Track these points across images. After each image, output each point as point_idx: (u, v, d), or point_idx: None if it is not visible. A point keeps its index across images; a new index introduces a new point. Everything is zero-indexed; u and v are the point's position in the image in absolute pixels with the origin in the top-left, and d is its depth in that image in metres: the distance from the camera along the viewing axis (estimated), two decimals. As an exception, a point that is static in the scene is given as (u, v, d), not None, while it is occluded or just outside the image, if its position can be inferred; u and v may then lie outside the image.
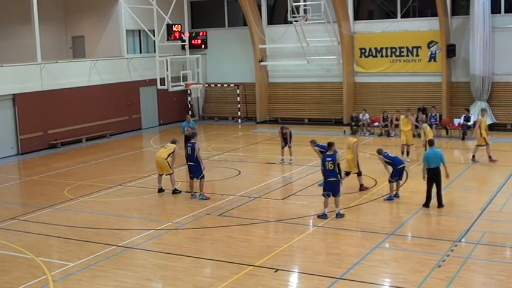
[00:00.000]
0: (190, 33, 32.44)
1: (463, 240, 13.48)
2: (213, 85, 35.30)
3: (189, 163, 17.86)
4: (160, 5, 26.65)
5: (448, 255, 12.47)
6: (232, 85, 34.87)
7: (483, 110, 22.78)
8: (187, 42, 28.18)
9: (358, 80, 32.05)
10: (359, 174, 17.92)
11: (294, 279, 11.99)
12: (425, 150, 16.89)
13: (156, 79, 26.88)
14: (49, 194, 19.03)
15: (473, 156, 21.76)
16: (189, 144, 17.83)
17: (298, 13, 28.43)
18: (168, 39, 27.63)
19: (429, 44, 29.89)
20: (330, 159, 15.23)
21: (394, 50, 30.84)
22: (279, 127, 22.97)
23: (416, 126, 23.87)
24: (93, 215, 16.52)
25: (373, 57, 31.38)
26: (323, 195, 15.33)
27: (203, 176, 17.60)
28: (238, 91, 34.45)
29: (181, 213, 16.30)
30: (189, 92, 34.22)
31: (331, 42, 30.31)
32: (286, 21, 30.60)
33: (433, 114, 27.69)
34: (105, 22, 31.81)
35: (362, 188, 17.86)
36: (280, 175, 21.00)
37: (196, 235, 14.51)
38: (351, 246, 13.50)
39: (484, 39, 27.85)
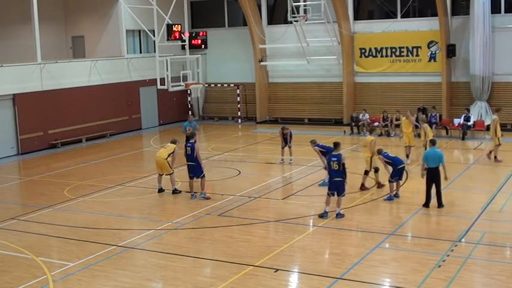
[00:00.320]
0: (190, 33, 32.45)
1: (463, 240, 13.47)
2: (213, 85, 35.31)
3: (188, 163, 17.86)
4: (160, 5, 26.66)
5: (448, 255, 12.47)
6: (232, 85, 34.88)
7: (498, 110, 22.47)
8: (187, 42, 28.19)
9: (358, 80, 32.05)
10: (374, 171, 18.13)
11: (294, 279, 11.99)
12: (425, 150, 16.90)
13: (156, 79, 26.89)
14: (49, 194, 19.03)
15: (495, 156, 21.58)
16: (188, 144, 17.85)
17: (298, 13, 28.43)
18: (168, 39, 27.63)
19: (429, 44, 29.89)
20: (335, 159, 15.29)
21: (394, 50, 30.84)
22: (279, 127, 22.96)
23: (417, 127, 23.86)
24: (93, 215, 16.52)
25: (373, 57, 31.38)
26: (328, 194, 15.36)
27: (204, 175, 17.60)
28: (238, 91, 34.46)
29: (181, 213, 16.30)
30: (189, 92, 34.23)
31: (331, 42, 30.31)
32: (286, 21, 30.60)
33: (433, 114, 27.69)
34: (105, 22, 31.81)
35: (379, 185, 17.99)
36: (280, 175, 21.00)
37: (196, 235, 14.51)
38: (351, 246, 13.50)
39: (484, 39, 27.85)
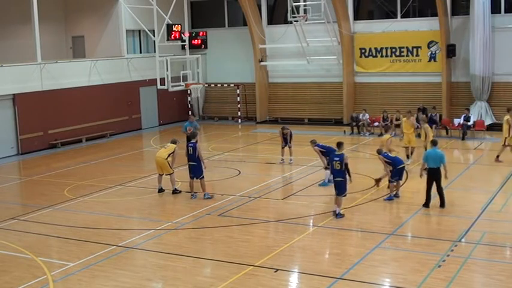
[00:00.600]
0: (190, 33, 32.45)
1: (463, 240, 13.48)
2: (213, 85, 35.31)
3: (190, 163, 17.85)
4: (160, 5, 26.65)
5: (448, 255, 12.47)
6: (232, 85, 34.88)
7: (510, 109, 22.29)
8: (187, 42, 28.18)
9: (358, 80, 32.05)
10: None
11: (294, 279, 11.99)
12: (426, 150, 16.88)
13: (156, 79, 26.89)
14: (49, 194, 19.03)
15: (498, 156, 21.49)
16: (190, 144, 17.81)
17: (298, 13, 28.42)
18: (168, 39, 27.62)
19: (429, 44, 29.89)
20: (337, 159, 15.37)
21: (394, 50, 30.84)
22: (279, 127, 22.96)
23: (417, 127, 23.84)
24: (93, 215, 16.52)
25: (373, 57, 31.38)
26: (335, 194, 15.48)
27: (203, 177, 17.60)
28: (238, 91, 34.46)
29: (181, 213, 16.30)
30: (189, 92, 34.23)
31: (331, 42, 30.31)
32: (286, 21, 30.59)
33: (434, 114, 27.68)
34: (105, 22, 31.81)
35: (378, 182, 18.09)
36: (280, 175, 21.00)
37: (196, 235, 14.51)
38: (351, 246, 13.50)
39: (484, 39, 27.85)
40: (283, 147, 22.20)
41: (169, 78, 25.99)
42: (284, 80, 33.96)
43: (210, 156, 23.74)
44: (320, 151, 18.84)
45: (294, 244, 13.55)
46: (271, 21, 33.90)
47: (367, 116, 29.15)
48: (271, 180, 20.02)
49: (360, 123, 29.02)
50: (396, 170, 16.74)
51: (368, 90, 31.81)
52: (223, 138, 28.86)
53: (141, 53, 33.03)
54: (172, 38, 27.79)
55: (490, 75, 28.35)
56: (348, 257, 12.63)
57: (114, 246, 13.69)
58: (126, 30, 31.68)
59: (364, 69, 31.69)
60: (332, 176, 15.81)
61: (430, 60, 30.00)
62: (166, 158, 18.22)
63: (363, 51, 31.55)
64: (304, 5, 28.32)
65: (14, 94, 25.83)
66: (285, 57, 33.20)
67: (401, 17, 30.61)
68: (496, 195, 17.10)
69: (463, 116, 27.20)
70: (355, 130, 29.01)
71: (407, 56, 30.57)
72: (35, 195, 19.21)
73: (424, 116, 25.78)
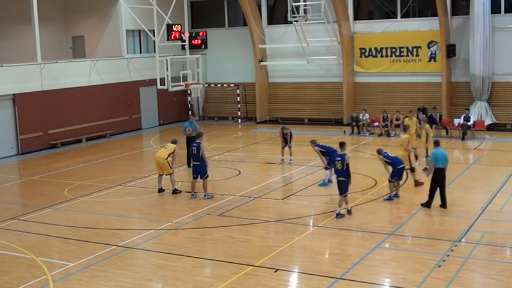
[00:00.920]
0: (190, 33, 32.45)
1: (463, 240, 13.48)
2: (213, 85, 35.31)
3: (193, 163, 17.83)
4: (160, 5, 26.65)
5: (448, 255, 12.47)
6: (232, 85, 34.88)
7: None
8: (187, 42, 28.17)
9: (358, 80, 32.06)
10: (412, 170, 18.31)
11: (294, 279, 11.99)
12: (426, 150, 16.82)
13: (156, 79, 26.88)
14: (49, 194, 19.03)
15: None
16: (194, 144, 17.78)
17: (298, 13, 28.42)
18: (168, 39, 27.61)
19: (429, 44, 29.90)
20: (339, 159, 15.42)
21: (394, 50, 30.85)
22: (279, 127, 22.95)
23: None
24: (93, 215, 16.52)
25: (373, 57, 31.38)
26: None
27: (207, 176, 17.61)
28: (238, 91, 34.46)
29: (181, 213, 16.30)
30: (189, 92, 34.22)
31: (331, 42, 30.31)
32: (286, 21, 30.60)
33: (434, 114, 27.66)
34: (105, 22, 31.81)
35: (417, 183, 18.14)
36: (280, 175, 21.00)
37: (196, 235, 14.51)
38: (351, 246, 13.50)
39: (484, 39, 27.85)
40: (283, 147, 22.20)
41: (169, 78, 25.98)
42: (284, 80, 33.96)
43: (210, 156, 23.70)
44: (320, 151, 18.83)
45: (294, 244, 13.55)
46: (271, 21, 33.90)
47: (367, 116, 29.14)
48: (271, 180, 20.02)
49: (360, 123, 29.01)
50: (396, 170, 16.74)
51: (368, 90, 31.81)
52: (223, 138, 28.86)
53: (141, 53, 33.03)
54: (172, 38, 27.79)
55: (490, 75, 28.35)
56: (348, 257, 12.63)
57: (114, 246, 13.69)
58: (126, 30, 31.68)
59: (364, 69, 31.69)
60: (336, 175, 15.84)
61: (430, 60, 30.00)
62: (166, 158, 18.22)
63: (363, 51, 31.55)
64: (304, 5, 28.33)
65: (14, 94, 25.83)
66: (285, 57, 33.20)
67: (401, 17, 30.62)
68: (496, 195, 17.10)
69: (463, 116, 27.21)
70: (355, 130, 29.01)
71: (407, 56, 30.57)
72: (35, 195, 19.21)
73: (425, 116, 25.73)
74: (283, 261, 12.51)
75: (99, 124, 29.87)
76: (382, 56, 31.16)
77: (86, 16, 32.12)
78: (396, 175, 16.77)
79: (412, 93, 30.45)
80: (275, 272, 11.93)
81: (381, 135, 28.16)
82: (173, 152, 18.31)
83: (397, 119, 27.94)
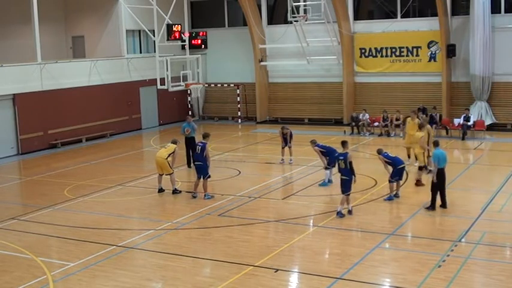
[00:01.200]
0: (190, 33, 32.45)
1: (463, 240, 13.48)
2: (213, 85, 35.31)
3: (196, 163, 17.82)
4: (160, 5, 26.66)
5: (448, 255, 12.47)
6: (232, 85, 34.88)
7: None
8: (187, 42, 28.18)
9: (358, 80, 32.06)
10: (420, 168, 18.43)
11: (294, 279, 11.99)
12: (429, 151, 16.75)
13: (156, 79, 26.89)
14: (49, 194, 19.03)
15: None
16: (200, 144, 17.75)
17: (298, 13, 28.42)
18: (168, 39, 27.62)
19: (429, 44, 29.90)
20: (342, 157, 15.52)
21: (394, 50, 30.85)
22: (279, 127, 22.95)
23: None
24: (93, 215, 16.52)
25: (373, 57, 31.38)
26: (342, 192, 15.62)
27: (209, 176, 17.60)
28: (238, 91, 34.46)
29: (181, 213, 16.30)
30: (189, 92, 34.19)
31: (331, 42, 30.31)
32: (286, 21, 30.60)
33: (434, 114, 27.65)
34: (105, 22, 31.81)
35: (418, 183, 18.17)
36: (280, 175, 21.00)
37: (196, 235, 14.51)
38: (351, 246, 13.49)
39: (484, 39, 27.85)
40: (283, 148, 22.20)
41: (169, 78, 26.00)
42: (284, 80, 33.96)
43: (210, 156, 23.68)
44: (320, 151, 18.84)
45: (294, 244, 13.55)
46: (271, 21, 33.90)
47: (367, 116, 29.14)
48: (271, 180, 20.02)
49: (360, 123, 29.01)
50: (396, 170, 16.75)
51: (368, 90, 31.81)
52: (223, 138, 28.85)
53: (141, 53, 33.03)
54: (172, 38, 27.80)
55: (490, 75, 28.35)
56: (348, 257, 12.62)
57: (114, 246, 13.69)
58: (126, 30, 31.68)
59: (364, 69, 31.69)
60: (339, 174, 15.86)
61: (430, 60, 30.00)
62: (167, 158, 18.22)
63: (363, 51, 31.55)
64: (304, 5, 28.33)
65: (14, 94, 25.83)
66: (285, 57, 33.20)
67: (401, 17, 30.61)
68: (496, 195, 17.10)
69: (463, 116, 27.20)
70: (355, 130, 29.01)
71: (407, 56, 30.57)
72: (35, 195, 19.21)
73: (425, 116, 25.74)
74: (283, 261, 12.51)
75: (99, 124, 29.87)
76: (382, 56, 31.16)
77: (86, 16, 32.13)
78: (396, 175, 16.77)
79: (412, 93, 30.44)
80: (275, 272, 11.93)
81: (381, 135, 28.16)
82: (173, 152, 18.31)
83: (397, 119, 27.93)
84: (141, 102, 32.64)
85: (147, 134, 31.20)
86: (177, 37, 28.02)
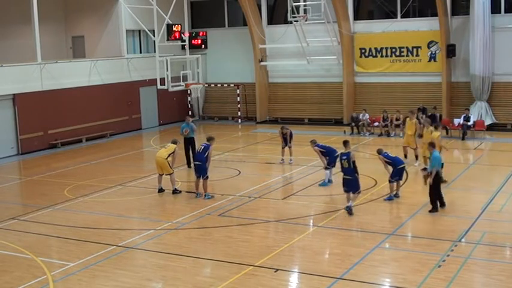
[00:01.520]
0: (190, 33, 32.45)
1: (463, 240, 13.48)
2: (213, 85, 35.31)
3: (195, 162, 17.83)
4: (160, 5, 26.66)
5: (448, 255, 12.47)
6: (232, 85, 34.88)
7: None
8: (187, 42, 28.19)
9: (358, 80, 32.05)
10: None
11: (294, 279, 11.99)
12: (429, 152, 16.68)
13: (156, 79, 26.89)
14: (49, 194, 19.03)
15: None
16: (203, 144, 17.74)
17: (298, 13, 28.43)
18: (168, 39, 27.61)
19: (429, 44, 29.89)
20: (345, 157, 15.57)
21: (394, 50, 30.84)
22: (279, 127, 22.95)
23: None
24: (93, 215, 16.52)
25: (373, 57, 31.38)
26: (344, 191, 15.68)
27: (207, 177, 17.60)
28: (238, 91, 34.46)
29: (181, 213, 16.30)
30: (189, 92, 34.20)
31: (331, 42, 30.31)
32: (286, 21, 30.60)
33: (434, 114, 27.65)
34: (105, 22, 31.81)
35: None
36: (280, 175, 20.99)
37: (196, 235, 14.51)
38: (351, 246, 13.49)
39: (484, 39, 27.85)
40: (283, 148, 22.20)
41: (169, 78, 26.00)
42: (284, 80, 33.96)
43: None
44: (320, 151, 18.84)
45: (294, 244, 13.55)
46: (271, 21, 33.89)
47: (367, 116, 29.14)
48: (271, 180, 20.02)
49: (360, 123, 29.01)
50: (396, 170, 16.75)
51: (368, 90, 31.80)
52: (223, 138, 28.84)
53: (141, 53, 33.03)
54: (172, 38, 27.78)
55: (490, 75, 28.34)
56: (348, 257, 12.62)
57: (114, 246, 13.69)
58: (126, 30, 31.68)
59: (364, 69, 31.69)
60: (342, 174, 15.87)
61: (430, 60, 30.00)
62: (167, 158, 18.21)
63: (363, 51, 31.55)
64: (304, 5, 28.33)
65: (14, 94, 25.83)
66: (285, 57, 33.20)
67: (401, 17, 30.61)
68: (496, 195, 17.10)
69: (463, 116, 27.21)
70: (355, 130, 29.00)
71: (407, 56, 30.57)
72: (35, 195, 19.21)
73: (424, 116, 25.67)
74: (283, 261, 12.51)
75: (99, 124, 29.86)
76: (382, 56, 31.16)
77: (86, 16, 32.12)
78: (396, 175, 16.77)
79: (412, 93, 30.44)
80: (275, 272, 11.93)
81: (381, 135, 28.16)
82: (173, 152, 18.30)
83: (397, 119, 27.94)
84: (141, 102, 32.64)
85: (147, 134, 31.20)
86: (177, 37, 28.01)
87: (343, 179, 15.67)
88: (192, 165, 20.50)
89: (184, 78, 27.20)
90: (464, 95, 29.33)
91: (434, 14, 29.00)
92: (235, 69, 34.90)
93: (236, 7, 33.95)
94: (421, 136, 23.20)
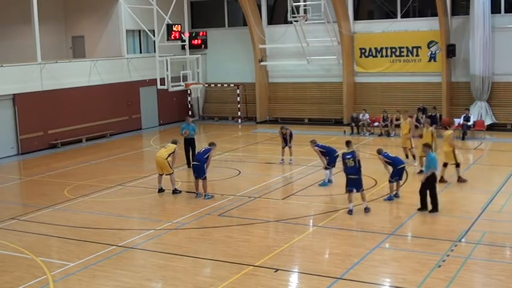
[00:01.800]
0: (190, 33, 32.45)
1: (463, 240, 13.48)
2: (213, 85, 35.31)
3: (194, 162, 17.84)
4: (160, 5, 26.65)
5: (448, 255, 12.47)
6: (232, 85, 34.88)
7: None
8: (187, 42, 28.17)
9: (358, 80, 32.05)
10: (457, 165, 18.43)
11: (294, 279, 11.99)
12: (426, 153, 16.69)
13: (156, 79, 26.89)
14: (49, 194, 19.03)
15: None
16: (205, 147, 17.86)
17: (298, 13, 28.43)
18: (168, 39, 27.60)
19: (429, 44, 29.89)
20: (349, 156, 15.60)
21: (394, 50, 30.84)
22: (279, 127, 22.96)
23: (416, 126, 23.76)
24: (93, 215, 16.52)
25: (373, 57, 31.38)
26: (346, 191, 15.66)
27: (205, 177, 17.60)
28: (238, 91, 34.46)
29: (181, 213, 16.30)
30: (189, 92, 34.21)
31: (331, 42, 30.31)
32: (286, 21, 30.60)
33: (434, 114, 27.63)
34: (105, 22, 31.81)
35: (460, 179, 18.31)
36: (280, 175, 20.99)
37: (196, 235, 14.51)
38: (351, 246, 13.48)
39: (484, 39, 27.85)
40: (283, 148, 22.20)
41: (169, 78, 25.98)
42: (284, 80, 33.96)
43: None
44: (320, 151, 18.84)
45: (294, 244, 13.55)
46: (271, 21, 33.90)
47: (367, 116, 29.15)
48: (271, 180, 20.02)
49: (360, 123, 29.01)
50: (396, 170, 16.74)
51: (368, 90, 31.81)
52: (223, 138, 28.84)
53: (141, 53, 33.03)
54: (172, 38, 27.77)
55: (490, 75, 28.34)
56: (348, 257, 12.62)
57: (114, 246, 13.69)
58: (126, 30, 31.68)
59: (364, 69, 31.69)
60: (345, 174, 15.86)
61: (430, 60, 30.00)
62: (167, 158, 18.21)
63: (363, 51, 31.55)
64: (304, 5, 28.33)
65: (14, 94, 25.83)
66: (285, 57, 33.20)
67: (401, 17, 30.61)
68: (496, 195, 17.10)
69: (463, 116, 27.21)
70: (355, 130, 29.01)
71: (407, 56, 30.57)
72: (35, 195, 19.21)
73: (424, 116, 25.68)
74: (283, 261, 12.51)
75: (99, 124, 29.87)
76: (382, 56, 31.16)
77: (86, 16, 32.13)
78: (396, 175, 16.77)
79: (412, 93, 30.45)
80: (275, 272, 11.93)
81: (381, 135, 28.16)
82: (173, 152, 18.30)
83: (397, 119, 27.89)
84: (141, 102, 32.64)
85: (147, 134, 31.20)
86: (177, 37, 28.00)
87: (348, 179, 15.66)
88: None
89: (184, 78, 27.19)
90: (464, 95, 29.33)
91: (434, 14, 29.00)
92: (235, 69, 34.90)
93: (236, 7, 33.95)
94: (421, 136, 23.21)
